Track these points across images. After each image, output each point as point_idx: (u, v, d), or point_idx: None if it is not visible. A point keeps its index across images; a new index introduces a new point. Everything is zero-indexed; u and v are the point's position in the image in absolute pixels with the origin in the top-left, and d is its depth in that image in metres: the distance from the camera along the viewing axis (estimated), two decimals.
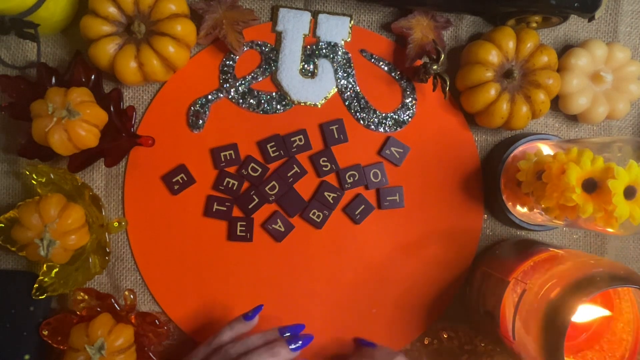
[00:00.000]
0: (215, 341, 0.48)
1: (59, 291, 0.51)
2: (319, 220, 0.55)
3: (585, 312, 0.48)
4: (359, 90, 0.57)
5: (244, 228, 0.55)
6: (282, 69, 0.56)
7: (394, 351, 0.50)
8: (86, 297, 0.51)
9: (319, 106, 0.56)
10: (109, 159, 0.52)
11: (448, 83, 0.53)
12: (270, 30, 0.56)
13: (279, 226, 0.55)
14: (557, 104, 0.57)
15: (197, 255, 0.55)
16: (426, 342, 0.56)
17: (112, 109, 0.52)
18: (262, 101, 0.56)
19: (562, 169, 0.45)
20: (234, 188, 0.55)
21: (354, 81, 0.57)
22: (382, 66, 0.57)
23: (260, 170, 0.55)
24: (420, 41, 0.55)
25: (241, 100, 0.56)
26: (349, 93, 0.57)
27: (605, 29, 0.59)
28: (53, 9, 0.50)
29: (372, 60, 0.57)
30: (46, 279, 0.51)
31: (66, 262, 0.50)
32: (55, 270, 0.51)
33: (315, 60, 0.56)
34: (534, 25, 0.56)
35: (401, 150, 0.57)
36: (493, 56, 0.52)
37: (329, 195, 0.55)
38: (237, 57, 0.56)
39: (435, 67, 0.53)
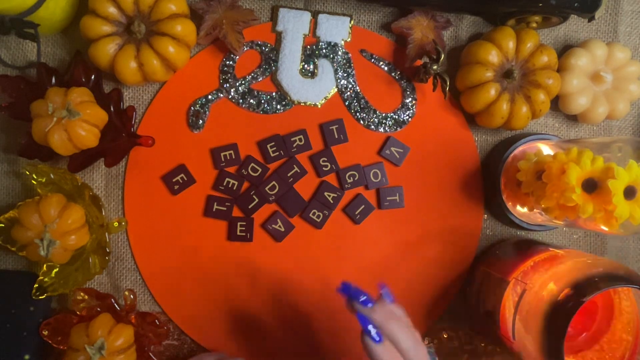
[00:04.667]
0: None
1: (59, 291, 0.51)
2: (319, 220, 0.55)
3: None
4: (359, 90, 0.57)
5: (244, 228, 0.55)
6: (282, 69, 0.56)
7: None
8: (86, 297, 0.51)
9: (319, 106, 0.56)
10: (109, 159, 0.52)
11: (448, 83, 0.53)
12: (270, 30, 0.56)
13: (279, 226, 0.55)
14: (557, 104, 0.57)
15: (197, 255, 0.55)
16: (426, 342, 0.56)
17: (112, 109, 0.52)
18: (262, 101, 0.56)
19: (562, 169, 0.45)
20: (234, 188, 0.55)
21: (354, 81, 0.57)
22: (382, 66, 0.57)
23: (260, 170, 0.55)
24: (420, 41, 0.55)
25: (241, 100, 0.56)
26: (349, 93, 0.57)
27: (605, 29, 0.59)
28: (53, 9, 0.50)
29: (372, 60, 0.57)
30: (46, 279, 0.51)
31: (66, 262, 0.50)
32: (55, 270, 0.51)
33: (315, 60, 0.56)
34: (534, 25, 0.55)
35: (401, 150, 0.57)
36: (493, 56, 0.52)
37: (329, 195, 0.55)
38: (237, 57, 0.56)
39: (435, 67, 0.53)
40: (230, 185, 0.55)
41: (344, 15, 0.57)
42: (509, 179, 0.54)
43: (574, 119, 0.59)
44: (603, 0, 0.52)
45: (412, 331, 0.41)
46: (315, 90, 0.56)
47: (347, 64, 0.56)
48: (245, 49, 0.56)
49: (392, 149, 0.56)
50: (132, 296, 0.51)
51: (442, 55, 0.53)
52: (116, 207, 0.55)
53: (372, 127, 0.57)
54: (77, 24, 0.50)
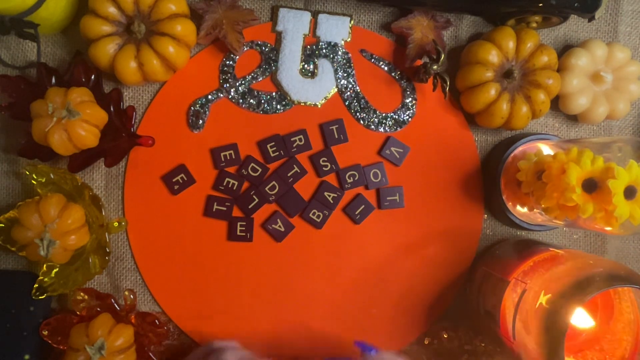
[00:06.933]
0: None
1: (59, 291, 0.51)
2: (319, 220, 0.55)
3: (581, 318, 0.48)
4: (359, 90, 0.57)
5: (244, 228, 0.55)
6: (282, 69, 0.56)
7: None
8: (86, 297, 0.51)
9: (319, 106, 0.56)
10: (109, 159, 0.52)
11: (448, 83, 0.53)
12: (270, 30, 0.56)
13: (279, 226, 0.55)
14: (557, 104, 0.57)
15: (197, 255, 0.55)
16: (426, 342, 0.56)
17: (112, 109, 0.52)
18: (262, 101, 0.56)
19: (562, 169, 0.45)
20: (234, 188, 0.55)
21: (354, 81, 0.57)
22: (382, 66, 0.57)
23: (260, 170, 0.55)
24: (420, 41, 0.55)
25: (241, 100, 0.56)
26: (349, 93, 0.57)
27: (605, 29, 0.59)
28: (53, 9, 0.50)
29: (372, 60, 0.57)
30: (46, 279, 0.51)
31: (66, 262, 0.50)
32: (55, 270, 0.51)
33: (315, 60, 0.56)
34: (534, 25, 0.56)
35: (401, 150, 0.57)
36: (493, 56, 0.52)
37: (329, 195, 0.55)
38: (237, 57, 0.56)
39: (435, 67, 0.53)
40: (230, 185, 0.55)
41: (344, 15, 0.57)
42: (509, 179, 0.54)
43: (574, 119, 0.59)
44: (603, 0, 0.52)
45: None
46: (315, 90, 0.56)
47: (347, 64, 0.57)
48: (245, 49, 0.56)
49: (392, 149, 0.56)
50: (132, 296, 0.51)
51: (442, 55, 0.53)
52: (116, 207, 0.55)
53: (372, 127, 0.57)
54: (77, 24, 0.50)
